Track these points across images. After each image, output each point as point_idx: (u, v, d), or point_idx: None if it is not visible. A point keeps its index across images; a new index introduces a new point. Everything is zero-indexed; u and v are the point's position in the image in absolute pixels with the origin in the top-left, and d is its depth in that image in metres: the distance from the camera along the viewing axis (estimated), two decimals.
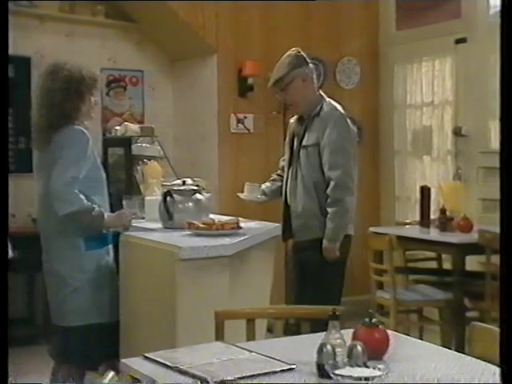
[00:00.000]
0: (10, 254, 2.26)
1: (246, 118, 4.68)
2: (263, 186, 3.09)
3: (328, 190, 2.84)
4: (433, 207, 4.06)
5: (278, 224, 2.79)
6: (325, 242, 2.84)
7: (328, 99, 2.98)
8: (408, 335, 3.47)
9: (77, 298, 2.44)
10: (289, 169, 2.99)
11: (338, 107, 2.94)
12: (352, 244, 2.96)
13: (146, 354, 1.48)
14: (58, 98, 2.43)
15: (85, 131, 2.45)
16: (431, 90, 4.74)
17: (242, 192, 3.08)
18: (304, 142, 2.91)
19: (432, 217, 3.99)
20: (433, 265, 4.19)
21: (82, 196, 2.36)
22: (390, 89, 5.07)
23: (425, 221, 3.97)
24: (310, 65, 2.97)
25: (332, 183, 2.82)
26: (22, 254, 4.17)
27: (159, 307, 2.25)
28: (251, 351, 1.49)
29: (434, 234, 3.82)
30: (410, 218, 4.47)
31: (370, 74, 5.17)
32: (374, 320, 1.46)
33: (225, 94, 4.63)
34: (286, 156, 3.03)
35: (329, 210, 2.83)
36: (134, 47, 4.91)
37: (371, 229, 4.03)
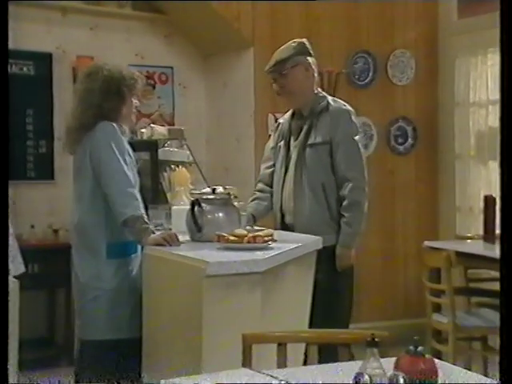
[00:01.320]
0: (23, 268, 2.32)
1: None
2: (250, 210, 3.09)
3: (344, 192, 2.89)
4: (499, 220, 3.97)
5: (318, 237, 2.78)
6: (339, 249, 2.87)
7: (330, 96, 3.04)
8: (469, 367, 3.39)
9: (94, 308, 2.53)
10: (285, 172, 3.01)
11: (347, 105, 3.01)
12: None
13: (163, 381, 1.50)
14: (97, 99, 2.54)
15: (115, 125, 2.54)
16: (498, 85, 4.65)
17: None
18: (311, 140, 2.95)
19: (498, 231, 3.91)
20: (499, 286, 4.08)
21: (138, 197, 2.46)
22: (450, 85, 4.99)
23: (490, 235, 3.90)
24: (314, 59, 3.05)
25: (349, 185, 2.87)
26: (42, 267, 4.30)
27: (184, 327, 2.27)
28: (281, 380, 1.49)
29: None
30: (473, 232, 4.41)
31: (427, 68, 5.11)
32: (419, 348, 1.43)
33: (262, 91, 4.64)
34: (280, 158, 3.06)
35: (346, 214, 2.88)
36: (162, 41, 5.00)
37: (427, 243, 3.99)
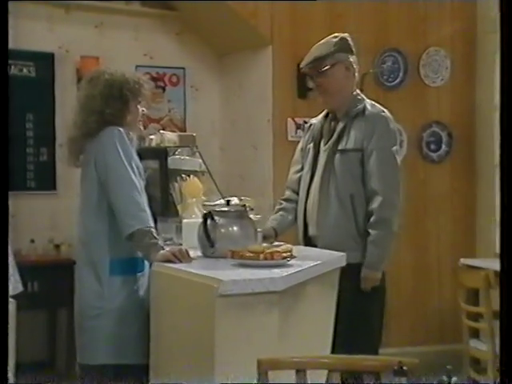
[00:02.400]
0: (20, 287, 2.34)
1: (306, 123, 4.70)
2: (272, 223, 3.09)
3: (373, 207, 2.87)
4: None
5: (341, 253, 2.78)
6: (365, 271, 2.86)
7: (369, 100, 3.03)
8: None
9: (93, 329, 2.54)
10: (312, 178, 3.01)
11: (386, 111, 3.00)
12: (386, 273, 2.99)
13: None
14: (99, 105, 2.57)
15: (121, 130, 2.56)
16: None
17: None
18: (341, 146, 2.95)
19: None
20: None
21: (146, 208, 2.49)
22: (489, 86, 4.97)
23: None
24: (355, 57, 3.04)
25: (378, 199, 2.86)
26: (42, 285, 4.35)
27: (195, 350, 2.27)
28: None
29: None
30: None
31: (463, 68, 5.10)
32: (453, 379, 1.43)
33: (281, 94, 4.68)
34: (308, 162, 3.06)
35: (373, 231, 2.86)
36: (173, 40, 5.05)
37: (463, 261, 3.98)
